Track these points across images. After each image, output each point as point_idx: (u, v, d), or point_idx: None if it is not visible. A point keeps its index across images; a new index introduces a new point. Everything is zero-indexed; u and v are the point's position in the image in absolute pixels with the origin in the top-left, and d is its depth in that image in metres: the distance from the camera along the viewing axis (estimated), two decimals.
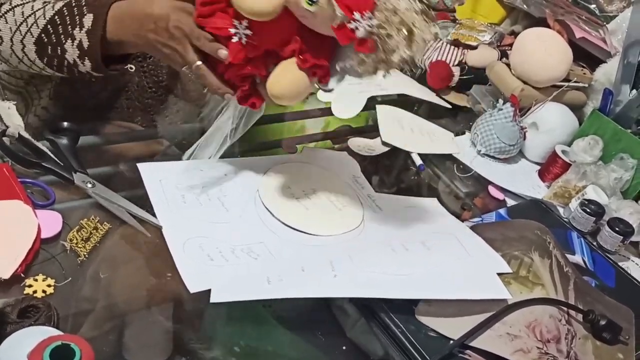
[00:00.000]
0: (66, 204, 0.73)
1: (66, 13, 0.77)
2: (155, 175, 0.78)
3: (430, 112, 1.19)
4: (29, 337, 0.51)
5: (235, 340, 0.72)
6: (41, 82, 0.94)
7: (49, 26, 0.77)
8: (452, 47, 1.27)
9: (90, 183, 0.73)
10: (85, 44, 0.76)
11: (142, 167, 0.78)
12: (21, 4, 0.80)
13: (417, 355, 0.64)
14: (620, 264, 0.88)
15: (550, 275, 0.75)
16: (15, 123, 0.77)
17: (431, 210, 0.89)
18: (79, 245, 0.67)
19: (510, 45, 1.23)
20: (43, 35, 0.78)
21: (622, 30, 1.19)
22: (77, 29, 0.76)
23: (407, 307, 0.68)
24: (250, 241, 0.73)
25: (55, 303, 0.59)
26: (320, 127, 1.16)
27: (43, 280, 0.62)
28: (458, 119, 1.21)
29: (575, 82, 1.16)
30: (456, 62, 1.26)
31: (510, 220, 0.89)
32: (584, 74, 1.19)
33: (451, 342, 0.65)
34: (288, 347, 0.72)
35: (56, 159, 0.74)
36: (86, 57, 0.77)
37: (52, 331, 0.53)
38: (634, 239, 0.92)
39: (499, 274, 0.74)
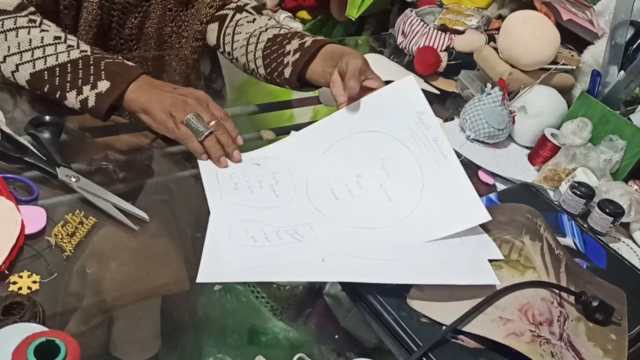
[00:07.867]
0: (50, 199, 0.71)
1: (81, 66, 0.78)
2: (212, 167, 0.82)
3: None
4: (13, 334, 0.49)
5: (228, 333, 0.72)
6: None
7: (57, 69, 0.78)
8: (439, 32, 1.26)
9: (75, 177, 0.72)
10: (91, 103, 0.78)
11: (201, 161, 0.83)
12: (27, 27, 0.79)
13: (409, 341, 0.64)
14: (611, 245, 0.88)
15: (541, 258, 0.75)
16: None
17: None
18: (64, 241, 0.66)
19: (498, 29, 1.22)
20: (46, 73, 0.78)
21: (609, 11, 1.18)
22: (88, 87, 0.77)
23: (398, 294, 0.68)
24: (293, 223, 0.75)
25: (41, 299, 0.58)
26: (309, 116, 1.15)
27: (28, 277, 0.61)
28: (446, 105, 1.21)
29: (563, 64, 1.16)
30: (443, 48, 1.26)
31: (501, 205, 0.88)
32: (572, 56, 1.18)
33: (443, 327, 0.65)
34: (281, 337, 0.72)
35: (39, 153, 0.73)
36: (87, 112, 0.79)
37: (37, 328, 0.52)
38: (624, 220, 0.92)
39: (490, 260, 0.73)
